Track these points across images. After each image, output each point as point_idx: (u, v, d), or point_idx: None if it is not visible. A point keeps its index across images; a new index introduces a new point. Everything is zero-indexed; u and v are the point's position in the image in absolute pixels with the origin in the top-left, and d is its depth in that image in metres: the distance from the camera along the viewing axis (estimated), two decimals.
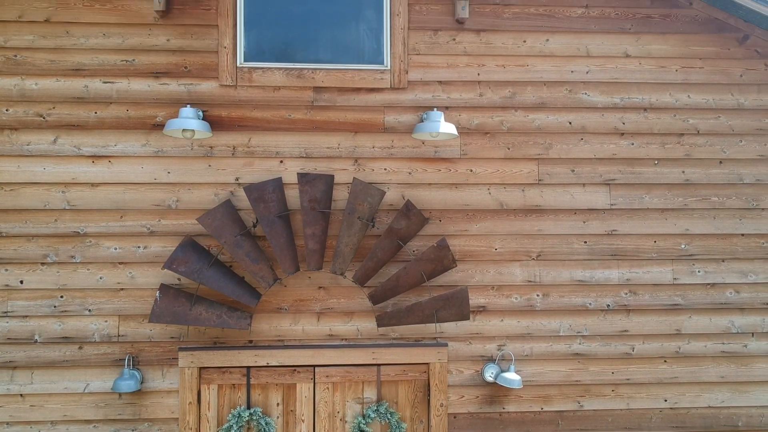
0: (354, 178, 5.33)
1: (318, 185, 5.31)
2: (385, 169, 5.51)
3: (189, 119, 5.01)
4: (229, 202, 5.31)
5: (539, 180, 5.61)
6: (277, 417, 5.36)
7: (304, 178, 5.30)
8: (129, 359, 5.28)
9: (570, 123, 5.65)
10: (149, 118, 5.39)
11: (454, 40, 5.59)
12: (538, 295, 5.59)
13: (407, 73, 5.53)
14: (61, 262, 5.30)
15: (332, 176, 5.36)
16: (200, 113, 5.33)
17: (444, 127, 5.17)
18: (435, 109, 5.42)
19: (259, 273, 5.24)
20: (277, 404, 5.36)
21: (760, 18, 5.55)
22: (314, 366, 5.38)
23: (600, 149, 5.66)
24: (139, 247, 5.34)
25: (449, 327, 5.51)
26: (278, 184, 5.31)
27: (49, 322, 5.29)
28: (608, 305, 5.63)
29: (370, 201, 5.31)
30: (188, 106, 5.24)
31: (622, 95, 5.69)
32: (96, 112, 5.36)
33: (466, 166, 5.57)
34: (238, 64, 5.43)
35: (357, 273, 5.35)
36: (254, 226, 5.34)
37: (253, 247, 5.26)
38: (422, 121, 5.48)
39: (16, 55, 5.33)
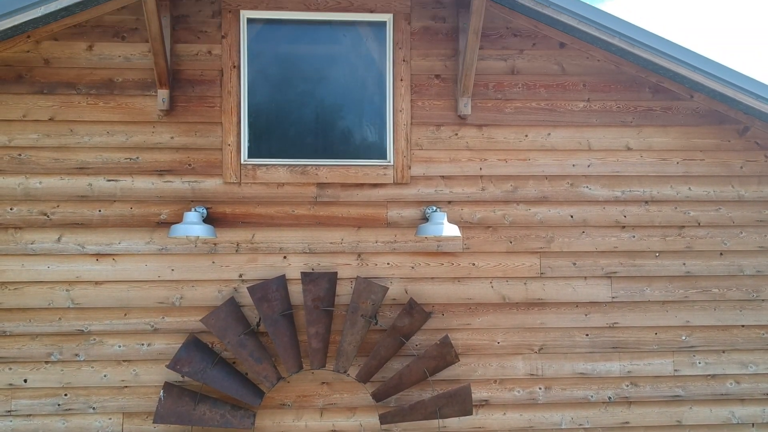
0: (357, 276, 5.36)
1: (321, 283, 5.34)
2: (388, 264, 5.54)
3: (193, 225, 5.03)
4: (232, 299, 5.34)
5: (541, 273, 5.64)
6: None
7: (307, 277, 5.32)
8: None
9: (572, 216, 5.68)
10: (153, 216, 5.41)
11: (456, 135, 5.62)
12: (540, 389, 5.62)
13: (410, 168, 5.56)
14: (65, 360, 5.32)
15: (335, 273, 5.38)
16: (204, 211, 5.36)
17: (447, 230, 5.20)
18: (437, 209, 5.45)
19: (263, 373, 5.26)
20: None
21: (760, 113, 5.58)
22: None
23: (601, 242, 5.69)
24: (143, 344, 5.36)
25: (452, 421, 5.54)
26: (281, 282, 5.34)
27: (53, 420, 5.31)
28: (610, 397, 5.66)
29: (373, 298, 5.34)
30: (193, 209, 5.27)
31: (623, 188, 5.72)
32: (100, 210, 5.38)
33: (469, 260, 5.60)
34: (242, 162, 5.46)
35: (360, 372, 5.38)
36: (258, 324, 5.36)
37: (257, 346, 5.28)
38: (425, 216, 5.52)
39: (20, 154, 5.35)
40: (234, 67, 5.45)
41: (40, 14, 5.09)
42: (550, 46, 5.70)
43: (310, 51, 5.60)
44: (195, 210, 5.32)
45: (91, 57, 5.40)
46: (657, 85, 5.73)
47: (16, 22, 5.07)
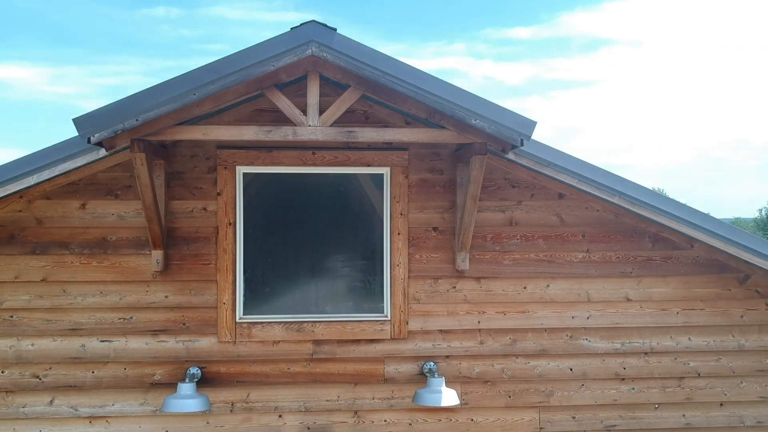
0: None
1: None
2: (385, 421, 5.48)
3: (187, 400, 4.96)
4: None
5: (540, 428, 5.58)
6: None
7: None
8: None
9: (571, 369, 5.62)
10: (147, 377, 5.33)
11: (454, 288, 5.56)
12: None
13: (407, 323, 5.50)
14: None
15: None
16: (198, 372, 5.29)
17: (446, 399, 5.13)
18: (436, 374, 5.38)
19: None
20: None
21: (758, 268, 5.54)
22: None
23: (601, 395, 5.64)
24: None
25: None
26: None
27: None
28: None
29: None
30: (186, 380, 5.20)
31: (623, 340, 5.67)
32: (93, 372, 5.30)
33: (467, 416, 5.54)
34: (237, 319, 5.39)
35: None
36: None
37: None
38: (423, 372, 5.46)
39: (12, 316, 5.27)
40: (230, 224, 5.38)
41: (33, 183, 5.02)
42: (549, 197, 5.65)
43: (307, 204, 5.54)
44: (189, 372, 5.26)
45: (84, 215, 5.33)
46: (657, 234, 5.68)
47: (8, 192, 5.01)
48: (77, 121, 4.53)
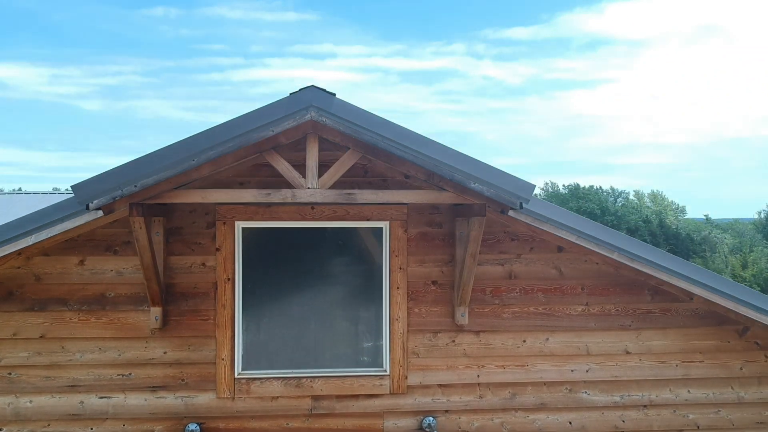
0: None
1: None
2: None
3: None
4: None
5: None
6: None
7: None
8: None
9: (570, 423, 5.62)
10: None
11: (453, 341, 5.56)
12: None
13: (407, 378, 5.49)
14: None
15: None
16: (197, 428, 5.28)
17: None
18: (435, 429, 5.38)
19: None
20: None
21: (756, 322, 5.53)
22: None
23: None
24: None
25: None
26: None
27: None
28: None
29: None
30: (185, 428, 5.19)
31: (622, 393, 5.66)
32: (92, 429, 5.29)
33: None
34: (236, 375, 5.38)
35: None
36: None
37: None
38: (422, 427, 5.45)
39: (10, 373, 5.26)
40: (228, 279, 5.37)
41: (31, 243, 5.01)
42: (548, 249, 5.64)
43: (306, 257, 5.53)
44: (188, 428, 5.26)
45: (82, 272, 5.32)
46: (656, 287, 5.68)
47: (5, 252, 5.00)
48: (76, 188, 4.53)
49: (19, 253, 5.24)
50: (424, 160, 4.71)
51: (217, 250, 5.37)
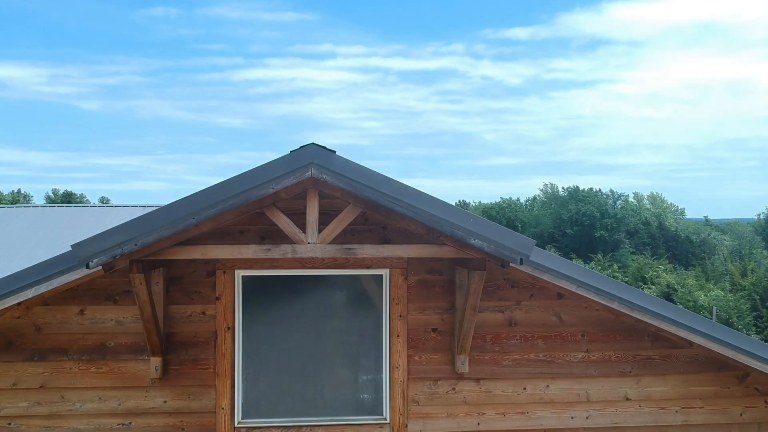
0: None
1: None
2: None
3: None
4: None
5: None
6: None
7: None
8: None
9: None
10: None
11: (453, 389, 5.56)
12: None
13: (407, 426, 5.50)
14: None
15: None
16: None
17: None
18: None
19: None
20: None
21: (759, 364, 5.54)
22: None
23: None
24: None
25: None
26: None
27: None
28: None
29: None
30: None
31: None
32: None
33: None
34: (235, 424, 5.38)
35: None
36: None
37: None
38: None
39: (10, 423, 5.26)
40: (228, 328, 5.37)
41: (31, 296, 5.01)
42: (548, 296, 5.64)
43: (306, 305, 5.54)
44: None
45: (83, 321, 5.32)
46: (656, 333, 5.67)
47: (6, 305, 5.00)
48: (76, 247, 4.53)
49: (18, 303, 5.23)
50: (424, 216, 4.71)
51: (217, 299, 5.37)
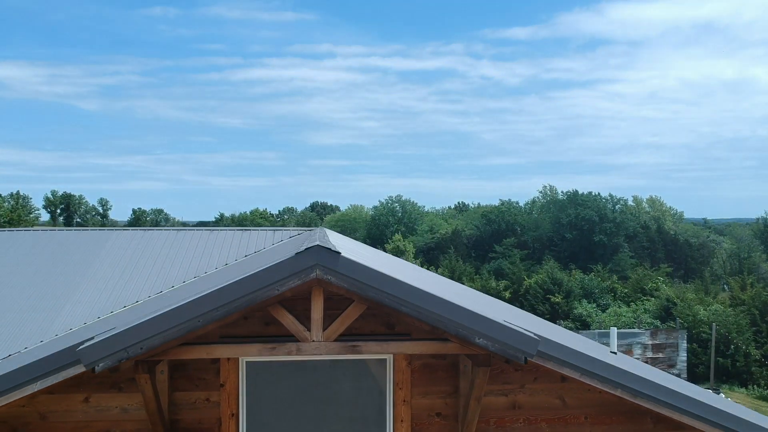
0: None
1: None
2: None
3: None
4: None
5: None
6: None
7: None
8: None
9: None
10: None
11: None
12: None
13: None
14: None
15: None
16: None
17: None
18: None
19: None
20: None
21: None
22: None
23: None
24: None
25: None
26: None
27: None
28: None
29: None
30: None
31: None
32: None
33: None
34: None
35: None
36: None
37: None
38: None
39: None
40: (232, 415, 5.39)
41: (36, 389, 5.02)
42: (551, 379, 5.66)
43: (311, 389, 5.54)
44: None
45: (87, 409, 5.33)
46: (658, 414, 5.69)
47: (11, 399, 5.00)
48: (82, 352, 4.54)
49: None
50: (428, 316, 4.73)
51: (222, 385, 5.39)
